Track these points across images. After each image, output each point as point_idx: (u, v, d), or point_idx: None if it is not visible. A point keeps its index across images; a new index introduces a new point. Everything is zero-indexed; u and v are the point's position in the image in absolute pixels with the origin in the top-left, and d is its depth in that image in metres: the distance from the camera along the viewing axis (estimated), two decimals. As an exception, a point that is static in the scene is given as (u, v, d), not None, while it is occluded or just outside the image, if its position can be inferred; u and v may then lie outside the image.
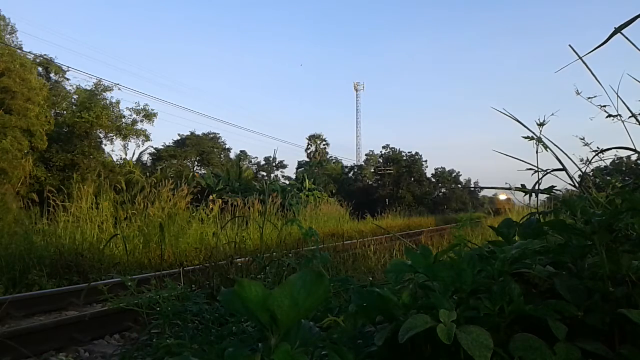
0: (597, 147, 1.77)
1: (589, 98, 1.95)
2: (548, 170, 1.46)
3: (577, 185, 1.54)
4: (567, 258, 1.30)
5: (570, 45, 1.23)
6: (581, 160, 1.68)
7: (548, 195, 1.75)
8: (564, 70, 1.33)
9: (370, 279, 3.69)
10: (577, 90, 2.02)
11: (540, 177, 1.49)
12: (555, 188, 1.57)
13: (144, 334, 2.32)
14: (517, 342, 1.15)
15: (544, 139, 1.41)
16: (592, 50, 1.08)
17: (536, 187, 1.49)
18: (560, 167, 1.46)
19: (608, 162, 2.26)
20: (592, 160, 1.71)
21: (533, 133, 1.35)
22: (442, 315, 1.10)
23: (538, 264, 1.28)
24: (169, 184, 11.55)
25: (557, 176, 1.49)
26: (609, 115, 2.06)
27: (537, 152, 1.37)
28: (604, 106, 2.09)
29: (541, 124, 1.34)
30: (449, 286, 1.22)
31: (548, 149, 1.37)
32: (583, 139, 1.89)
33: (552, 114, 1.37)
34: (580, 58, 1.18)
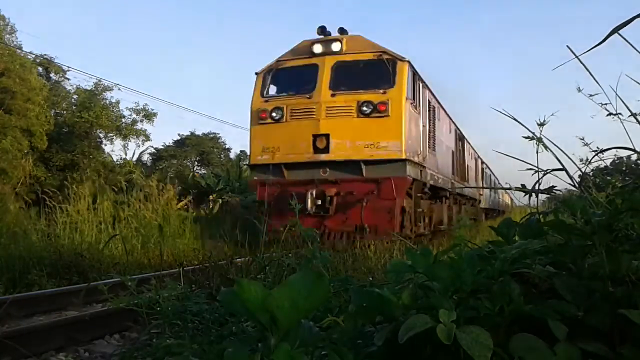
0: (597, 147, 1.77)
1: (590, 96, 1.96)
2: (548, 170, 1.46)
3: (577, 185, 1.54)
4: (567, 258, 1.30)
5: (568, 46, 1.24)
6: (581, 160, 1.68)
7: (548, 195, 1.75)
8: (567, 71, 1.33)
9: (370, 279, 3.67)
10: (579, 88, 2.02)
11: (540, 177, 1.49)
12: (556, 188, 1.57)
13: (143, 334, 2.32)
14: (517, 342, 1.15)
15: (544, 139, 1.41)
16: (588, 50, 1.08)
17: (536, 187, 1.49)
18: (560, 167, 1.46)
19: (608, 162, 2.26)
20: (592, 161, 1.72)
21: (533, 133, 1.35)
22: (441, 316, 1.10)
23: (538, 264, 1.28)
24: (172, 187, 11.58)
25: (557, 176, 1.49)
26: (609, 114, 2.06)
27: (537, 153, 1.37)
28: (605, 104, 2.10)
29: (541, 124, 1.34)
30: (448, 286, 1.22)
31: (548, 149, 1.37)
32: (583, 139, 1.89)
33: (552, 114, 1.38)
34: (577, 57, 1.18)
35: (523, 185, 1.41)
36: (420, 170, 11.03)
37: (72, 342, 4.07)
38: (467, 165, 20.89)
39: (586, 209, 1.17)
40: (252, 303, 0.67)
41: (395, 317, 1.21)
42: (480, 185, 27.13)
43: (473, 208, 23.23)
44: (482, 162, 28.30)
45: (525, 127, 1.32)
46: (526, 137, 1.34)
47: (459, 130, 19.01)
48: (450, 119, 16.72)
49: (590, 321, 1.20)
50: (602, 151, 1.70)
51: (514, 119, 1.37)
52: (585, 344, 1.15)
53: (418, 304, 1.17)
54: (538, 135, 1.36)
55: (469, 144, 22.18)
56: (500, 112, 1.42)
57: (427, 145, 11.96)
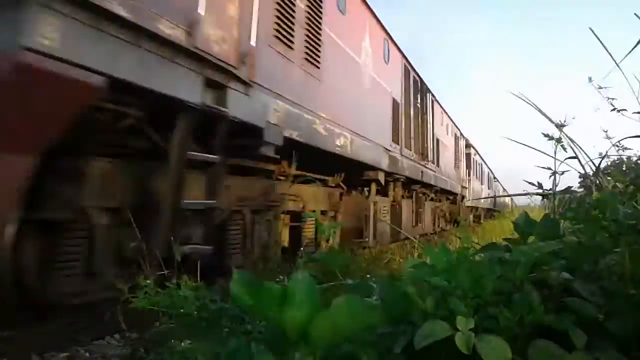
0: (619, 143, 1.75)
1: (599, 88, 1.94)
2: (562, 161, 1.42)
3: (592, 177, 1.50)
4: (586, 258, 1.28)
5: (590, 29, 1.19)
6: (600, 154, 1.66)
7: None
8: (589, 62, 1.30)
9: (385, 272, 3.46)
10: (590, 78, 2.01)
11: (555, 167, 1.44)
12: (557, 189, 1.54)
13: (149, 334, 2.27)
14: (536, 349, 1.12)
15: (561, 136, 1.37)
16: (628, 54, 1.05)
17: (551, 182, 1.46)
18: (574, 155, 1.42)
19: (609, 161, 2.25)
20: (609, 154, 1.69)
21: (554, 123, 1.30)
22: (459, 323, 1.07)
23: (557, 269, 1.25)
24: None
25: (571, 166, 1.45)
26: (614, 109, 2.05)
27: (555, 153, 1.33)
28: (612, 99, 2.09)
29: (561, 126, 1.30)
30: (467, 291, 1.19)
31: (566, 150, 1.33)
32: (606, 131, 1.87)
33: (573, 118, 1.34)
34: (617, 65, 1.15)
35: (539, 185, 1.38)
36: (219, 83, 3.98)
37: (72, 342, 4.04)
38: (437, 140, 13.29)
39: (617, 207, 1.14)
40: (290, 329, 0.63)
41: (414, 322, 1.18)
42: (465, 175, 18.87)
43: (452, 206, 16.11)
44: (469, 145, 20.67)
45: (547, 117, 1.28)
46: (546, 136, 1.30)
47: (416, 72, 11.02)
48: (390, 37, 9.13)
49: (610, 327, 1.18)
50: (620, 142, 1.68)
51: (537, 109, 1.33)
52: (602, 352, 1.13)
53: (439, 312, 1.14)
54: (556, 135, 1.32)
55: (441, 106, 14.07)
56: (520, 98, 1.37)
57: (267, 30, 4.75)
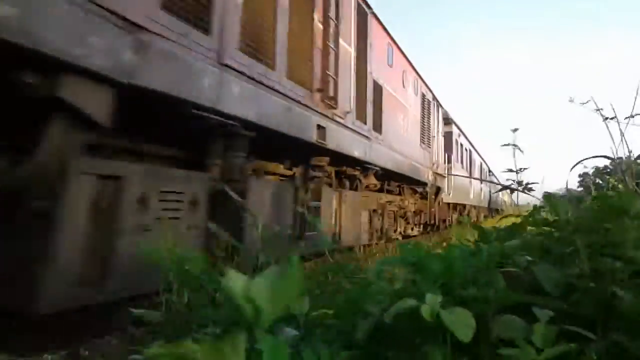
0: None
1: (582, 103, 1.98)
2: (587, 158, 1.45)
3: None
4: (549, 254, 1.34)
5: None
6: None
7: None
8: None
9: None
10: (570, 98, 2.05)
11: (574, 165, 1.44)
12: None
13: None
14: (499, 322, 1.14)
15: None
16: None
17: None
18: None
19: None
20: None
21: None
22: (428, 299, 1.12)
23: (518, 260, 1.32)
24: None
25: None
26: (606, 118, 2.10)
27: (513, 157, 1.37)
28: (599, 109, 2.14)
29: (514, 130, 1.35)
30: (438, 277, 1.25)
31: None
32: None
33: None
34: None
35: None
36: None
37: (72, 342, 4.09)
38: (379, 87, 7.89)
39: (567, 210, 1.19)
40: (236, 293, 0.71)
41: (372, 314, 1.23)
42: (443, 160, 13.59)
43: (418, 203, 11.02)
44: (450, 122, 15.36)
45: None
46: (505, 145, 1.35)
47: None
48: None
49: (573, 309, 1.22)
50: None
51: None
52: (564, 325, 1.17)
53: (407, 291, 1.20)
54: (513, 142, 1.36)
55: (388, 33, 8.51)
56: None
57: None
